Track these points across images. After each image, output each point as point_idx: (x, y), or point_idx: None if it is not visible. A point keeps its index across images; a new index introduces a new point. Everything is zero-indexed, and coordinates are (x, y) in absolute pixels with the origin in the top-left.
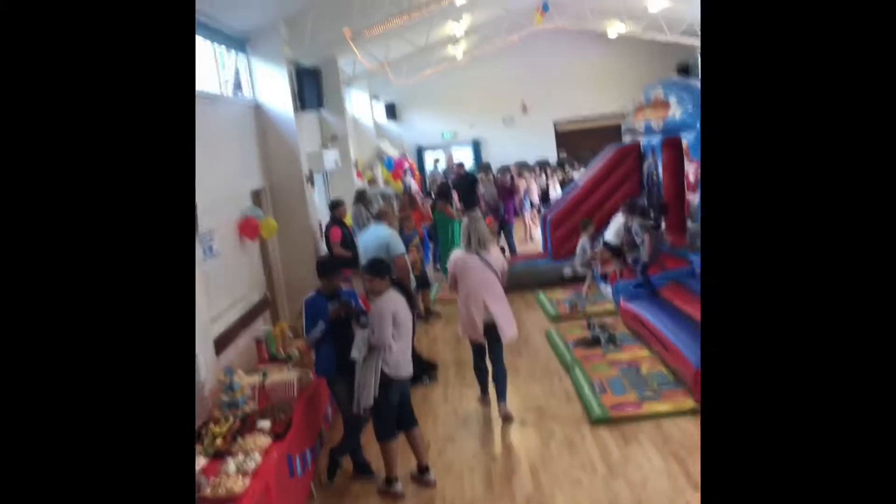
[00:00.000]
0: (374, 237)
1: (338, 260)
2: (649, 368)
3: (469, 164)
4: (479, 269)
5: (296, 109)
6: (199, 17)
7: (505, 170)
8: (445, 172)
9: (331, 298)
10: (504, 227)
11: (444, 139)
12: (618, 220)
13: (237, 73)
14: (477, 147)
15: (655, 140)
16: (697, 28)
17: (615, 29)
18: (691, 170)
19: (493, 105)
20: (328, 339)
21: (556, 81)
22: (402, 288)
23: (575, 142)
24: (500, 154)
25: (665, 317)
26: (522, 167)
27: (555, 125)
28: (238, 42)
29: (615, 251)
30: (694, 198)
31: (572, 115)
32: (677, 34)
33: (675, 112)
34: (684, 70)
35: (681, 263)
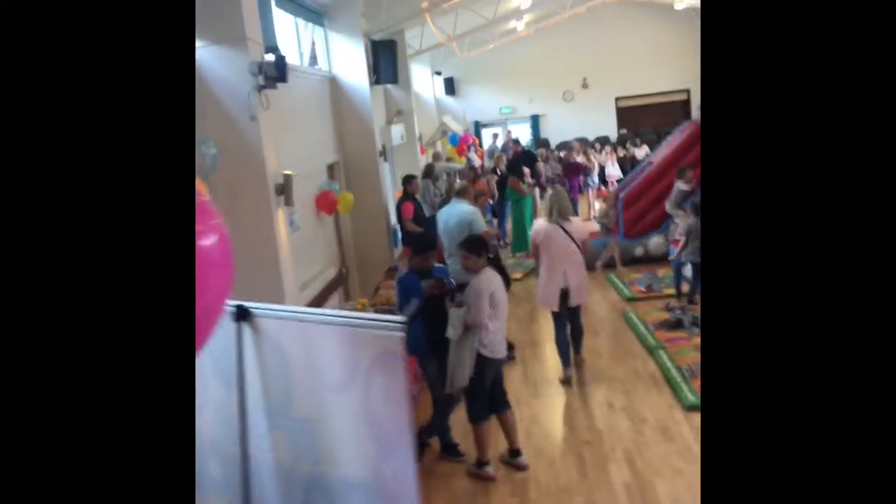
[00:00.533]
0: (457, 214)
1: (432, 237)
2: None
3: (526, 139)
4: (561, 239)
5: (371, 83)
6: None
7: (568, 146)
8: (505, 147)
9: (423, 277)
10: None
11: (502, 114)
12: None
13: (313, 45)
14: (536, 122)
15: None
16: None
17: (683, 1)
18: None
19: (554, 80)
20: (421, 317)
21: (619, 56)
22: (499, 266)
23: (636, 118)
24: (560, 130)
25: None
26: (583, 143)
27: (616, 101)
28: (315, 14)
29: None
30: None
31: (634, 91)
32: None
33: None
34: None
35: None
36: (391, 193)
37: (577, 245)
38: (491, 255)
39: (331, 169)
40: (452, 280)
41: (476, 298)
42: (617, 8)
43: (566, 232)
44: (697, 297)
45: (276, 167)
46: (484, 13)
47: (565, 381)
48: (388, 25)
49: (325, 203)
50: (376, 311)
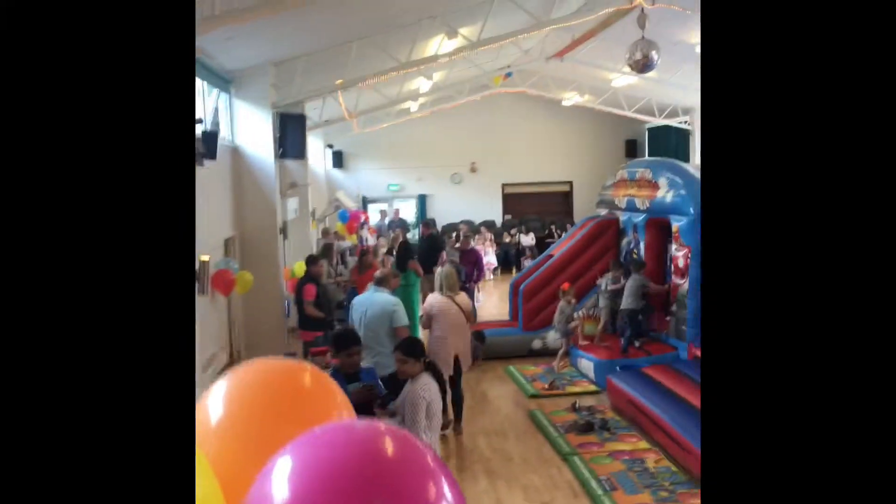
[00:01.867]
0: (378, 305)
1: (354, 333)
2: (656, 463)
3: (412, 218)
4: (452, 311)
5: (276, 156)
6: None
7: (455, 228)
8: (391, 225)
9: (350, 379)
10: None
11: (389, 191)
12: (633, 281)
13: (216, 112)
14: (422, 202)
15: (638, 218)
16: (654, 106)
17: (572, 99)
18: (681, 255)
19: (444, 161)
20: None
21: (508, 144)
22: (436, 372)
23: (522, 205)
24: (447, 211)
25: (662, 401)
26: (470, 226)
27: (503, 187)
28: (223, 81)
29: (632, 315)
30: (683, 283)
31: (521, 179)
32: (633, 110)
33: (666, 194)
34: (632, 144)
35: (666, 349)
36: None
37: (465, 316)
38: (428, 359)
39: (226, 244)
40: (382, 385)
41: (413, 410)
42: (510, 98)
43: (456, 304)
44: (635, 345)
45: None
46: (386, 92)
47: (456, 430)
48: (296, 98)
49: (222, 283)
50: None
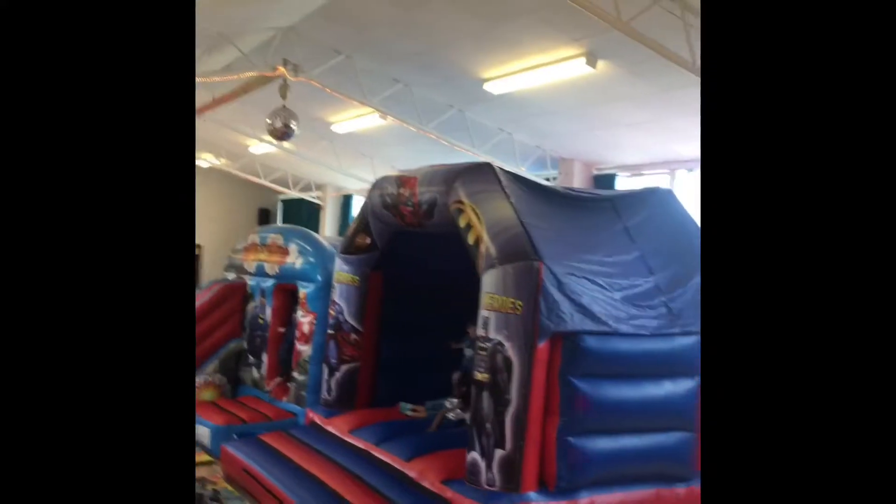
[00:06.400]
0: None
1: None
2: None
3: None
4: None
5: None
6: None
7: None
8: None
9: None
10: None
11: None
12: None
13: None
14: None
15: (267, 283)
16: (289, 178)
17: (207, 161)
18: (307, 321)
19: None
20: None
21: None
22: None
23: None
24: None
25: (279, 470)
26: None
27: None
28: None
29: None
30: (306, 349)
31: None
32: (269, 180)
33: (296, 261)
34: (265, 213)
35: (286, 415)
36: None
37: None
38: None
39: None
40: None
41: None
42: None
43: None
44: None
45: None
46: None
47: None
48: None
49: None
50: None
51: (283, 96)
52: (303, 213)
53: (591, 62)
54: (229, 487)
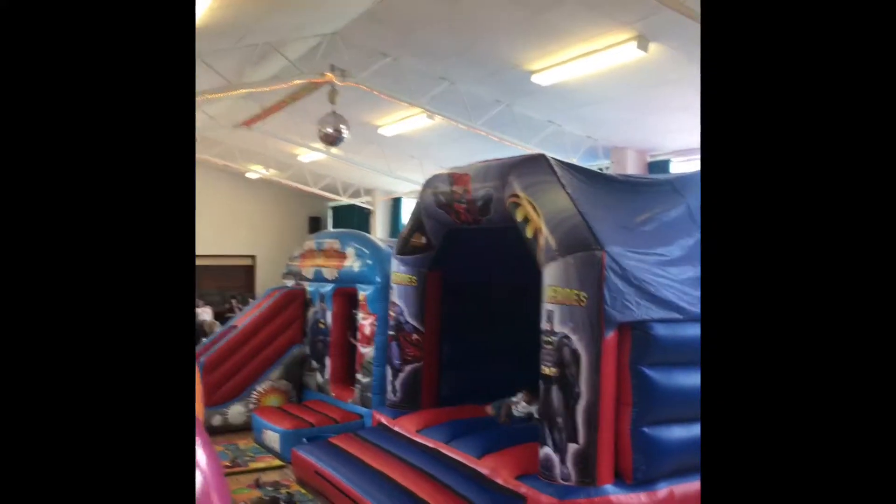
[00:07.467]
0: None
1: None
2: None
3: None
4: None
5: None
6: None
7: None
8: None
9: None
10: None
11: None
12: None
13: None
14: None
15: (326, 288)
16: (339, 185)
17: (257, 172)
18: (367, 322)
19: None
20: None
21: None
22: None
23: (199, 279)
24: None
25: (349, 470)
26: None
27: None
28: None
29: None
30: (368, 351)
31: (200, 251)
32: (318, 187)
33: (354, 264)
34: (316, 221)
35: (352, 417)
36: None
37: None
38: None
39: None
40: None
41: None
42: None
43: None
44: None
45: None
46: None
47: None
48: None
49: None
50: None
51: (333, 101)
52: (353, 219)
53: (643, 45)
54: (303, 490)
